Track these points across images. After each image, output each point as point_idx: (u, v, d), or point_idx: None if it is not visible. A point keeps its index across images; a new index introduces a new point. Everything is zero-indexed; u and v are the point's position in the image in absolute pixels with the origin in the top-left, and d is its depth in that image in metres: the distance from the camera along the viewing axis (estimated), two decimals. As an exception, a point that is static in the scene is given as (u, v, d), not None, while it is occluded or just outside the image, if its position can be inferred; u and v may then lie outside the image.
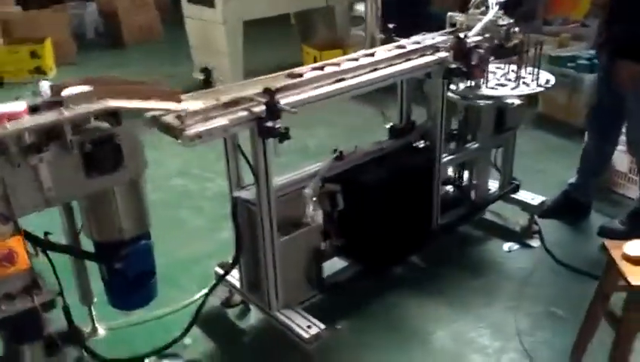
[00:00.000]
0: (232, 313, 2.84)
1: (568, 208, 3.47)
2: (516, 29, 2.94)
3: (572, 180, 3.47)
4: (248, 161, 2.32)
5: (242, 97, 2.19)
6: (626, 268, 2.10)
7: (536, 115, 4.94)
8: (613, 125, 3.24)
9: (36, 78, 6.47)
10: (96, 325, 2.70)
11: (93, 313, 2.65)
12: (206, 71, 2.40)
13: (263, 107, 2.12)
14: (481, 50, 2.69)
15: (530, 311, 2.78)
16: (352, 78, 2.47)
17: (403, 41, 2.85)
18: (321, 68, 2.50)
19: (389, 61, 2.62)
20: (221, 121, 2.09)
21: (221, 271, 2.75)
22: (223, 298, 2.86)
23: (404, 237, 2.88)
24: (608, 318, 2.24)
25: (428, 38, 2.87)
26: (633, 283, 2.03)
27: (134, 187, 2.24)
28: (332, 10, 6.06)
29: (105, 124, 1.95)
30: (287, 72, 2.47)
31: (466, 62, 2.64)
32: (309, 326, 2.42)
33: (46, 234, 2.07)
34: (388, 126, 2.93)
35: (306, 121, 5.03)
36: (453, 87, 3.02)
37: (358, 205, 2.67)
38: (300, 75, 2.44)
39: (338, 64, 2.56)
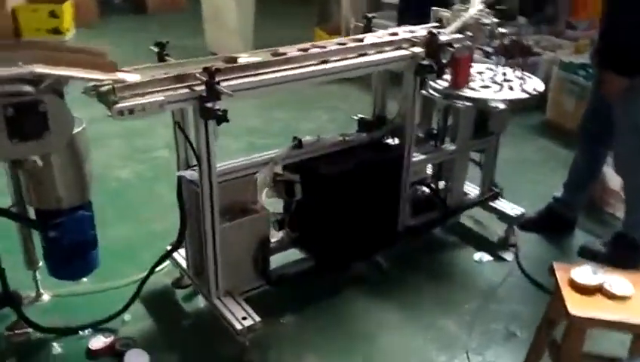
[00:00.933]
0: (180, 294, 2.78)
1: (551, 223, 3.32)
2: (502, 30, 2.78)
3: (558, 194, 3.31)
4: (190, 142, 2.24)
5: (186, 74, 2.11)
6: (568, 294, 1.98)
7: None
8: (605, 137, 3.08)
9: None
10: (41, 291, 2.70)
11: (38, 278, 2.64)
12: (160, 45, 2.28)
13: (204, 86, 2.03)
14: (453, 49, 2.54)
15: (486, 327, 2.65)
16: (309, 66, 2.36)
17: (380, 32, 2.73)
18: (283, 53, 2.39)
19: (357, 51, 2.50)
20: (157, 97, 2.00)
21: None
22: (174, 278, 2.81)
23: (363, 237, 2.76)
24: (549, 346, 2.11)
25: (407, 32, 2.74)
26: (571, 311, 1.91)
27: (73, 157, 2.20)
28: (348, -2, 5.93)
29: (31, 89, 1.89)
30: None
31: (436, 59, 2.50)
32: (244, 318, 2.35)
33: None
34: (356, 118, 2.81)
35: (306, 104, 4.97)
36: (435, 84, 2.91)
37: (314, 197, 2.58)
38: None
39: (305, 50, 2.45)
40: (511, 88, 2.94)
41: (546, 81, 4.80)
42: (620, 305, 1.94)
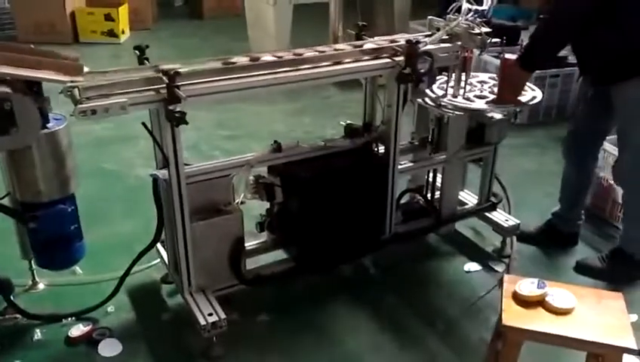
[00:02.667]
0: (165, 289, 2.89)
1: (551, 238, 3.24)
2: (493, 40, 2.75)
3: (555, 209, 3.23)
4: (157, 143, 2.33)
5: (155, 77, 2.20)
6: (508, 306, 1.96)
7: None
8: (593, 150, 3.04)
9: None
10: (37, 279, 2.85)
11: (34, 268, 2.80)
12: (139, 48, 2.39)
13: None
14: (430, 58, 2.53)
15: (460, 336, 2.63)
16: (283, 72, 2.41)
17: (370, 40, 2.75)
18: (257, 59, 2.45)
19: (335, 58, 2.53)
20: (120, 99, 2.11)
21: (160, 247, 2.81)
22: (164, 274, 2.92)
23: (344, 240, 2.79)
24: (494, 358, 2.08)
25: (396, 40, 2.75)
26: (505, 322, 1.89)
27: (53, 152, 2.33)
28: (392, 1, 5.93)
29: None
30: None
31: (413, 68, 2.50)
32: (210, 314, 2.42)
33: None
34: (343, 124, 2.84)
35: (331, 110, 5.03)
36: (430, 92, 2.90)
37: (292, 200, 2.63)
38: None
39: (280, 57, 2.50)
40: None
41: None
42: (558, 318, 1.91)
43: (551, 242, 3.22)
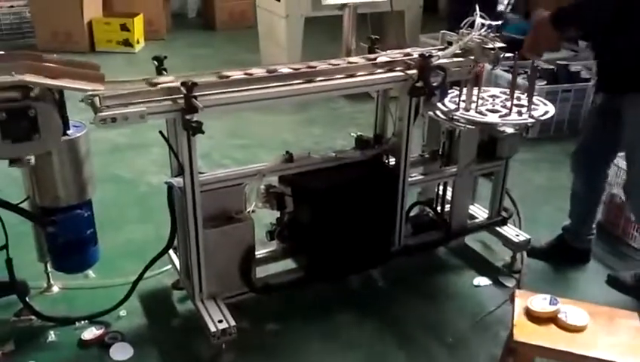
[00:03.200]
0: (176, 295, 2.92)
1: (562, 253, 3.25)
2: (506, 54, 2.78)
3: (566, 223, 3.25)
4: (174, 151, 2.38)
5: (173, 87, 2.25)
6: (521, 322, 1.97)
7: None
8: (602, 165, 3.06)
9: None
10: (52, 282, 2.90)
11: (50, 270, 2.84)
12: (157, 59, 2.45)
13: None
14: (442, 72, 2.57)
15: (468, 351, 2.64)
16: (298, 84, 2.45)
17: (383, 53, 2.80)
18: (274, 71, 2.50)
19: (348, 71, 2.58)
20: (139, 108, 2.15)
21: (173, 254, 2.85)
22: (175, 280, 2.95)
23: (352, 251, 2.82)
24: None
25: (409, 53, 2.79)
26: (516, 338, 1.91)
27: (72, 158, 2.38)
28: (402, 15, 5.98)
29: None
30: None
31: (426, 82, 2.54)
32: (220, 321, 2.46)
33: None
34: (354, 135, 2.88)
35: (340, 121, 5.07)
36: (441, 106, 2.93)
37: (302, 210, 2.66)
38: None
39: (296, 68, 2.55)
40: (519, 113, 2.92)
41: (592, 107, 4.71)
42: (571, 335, 1.92)
43: (562, 258, 3.22)
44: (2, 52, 2.14)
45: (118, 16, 7.21)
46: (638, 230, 3.36)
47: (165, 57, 2.47)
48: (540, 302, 2.01)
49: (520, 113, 2.90)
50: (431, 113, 3.00)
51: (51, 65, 2.09)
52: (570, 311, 1.98)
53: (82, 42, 7.11)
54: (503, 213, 3.23)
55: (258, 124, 5.05)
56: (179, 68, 2.64)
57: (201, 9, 8.88)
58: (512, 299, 2.09)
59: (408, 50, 2.90)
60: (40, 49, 6.65)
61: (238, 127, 4.93)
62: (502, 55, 2.78)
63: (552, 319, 1.97)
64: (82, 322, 2.69)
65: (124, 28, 7.07)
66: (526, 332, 1.92)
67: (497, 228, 3.21)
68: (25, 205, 2.51)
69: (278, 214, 2.78)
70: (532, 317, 1.98)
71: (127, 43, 7.10)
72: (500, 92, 3.16)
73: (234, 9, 8.32)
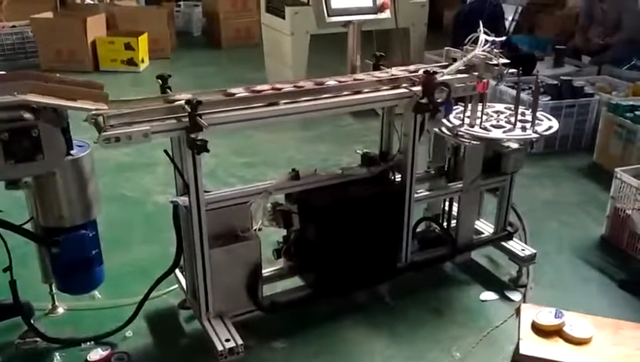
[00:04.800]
0: (183, 314, 2.91)
1: None
2: (510, 70, 2.79)
3: None
4: (179, 170, 2.37)
5: (177, 106, 2.25)
6: (527, 335, 1.96)
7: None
8: None
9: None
10: (57, 303, 2.89)
11: (54, 291, 2.83)
12: (162, 77, 2.45)
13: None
14: (447, 88, 2.57)
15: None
16: (303, 102, 2.46)
17: (388, 70, 2.80)
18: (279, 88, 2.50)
19: (354, 88, 2.58)
20: (143, 127, 2.16)
21: (179, 273, 2.84)
22: (181, 300, 2.94)
23: (359, 268, 2.81)
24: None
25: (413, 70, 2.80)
26: (522, 351, 1.89)
27: (76, 178, 2.38)
28: (407, 32, 6.01)
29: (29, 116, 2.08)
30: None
31: (430, 98, 2.54)
32: (227, 340, 2.45)
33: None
34: (360, 152, 2.88)
35: (347, 138, 5.08)
36: (446, 122, 2.93)
37: (308, 227, 2.66)
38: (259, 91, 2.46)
39: (300, 86, 2.55)
40: (524, 128, 2.92)
41: (596, 123, 4.72)
42: (576, 348, 1.91)
43: None
44: (4, 72, 2.14)
45: (122, 35, 7.26)
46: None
47: (169, 76, 2.48)
48: (546, 316, 2.00)
49: (524, 128, 2.91)
50: (436, 129, 3.00)
51: (55, 84, 2.10)
52: (576, 323, 1.98)
53: (86, 61, 7.16)
54: (509, 228, 3.22)
55: (264, 141, 5.06)
56: (183, 86, 2.65)
57: (207, 27, 8.94)
58: (517, 313, 2.07)
59: (413, 66, 2.91)
60: (43, 68, 6.71)
61: (243, 144, 4.94)
62: (506, 71, 2.78)
63: (557, 332, 1.97)
64: (88, 343, 2.67)
65: (128, 47, 7.12)
66: (532, 346, 1.92)
67: (503, 243, 3.20)
68: (29, 226, 2.51)
69: (284, 232, 2.78)
70: (538, 330, 1.98)
71: (132, 62, 7.15)
72: (505, 107, 3.16)
73: (239, 27, 8.38)
